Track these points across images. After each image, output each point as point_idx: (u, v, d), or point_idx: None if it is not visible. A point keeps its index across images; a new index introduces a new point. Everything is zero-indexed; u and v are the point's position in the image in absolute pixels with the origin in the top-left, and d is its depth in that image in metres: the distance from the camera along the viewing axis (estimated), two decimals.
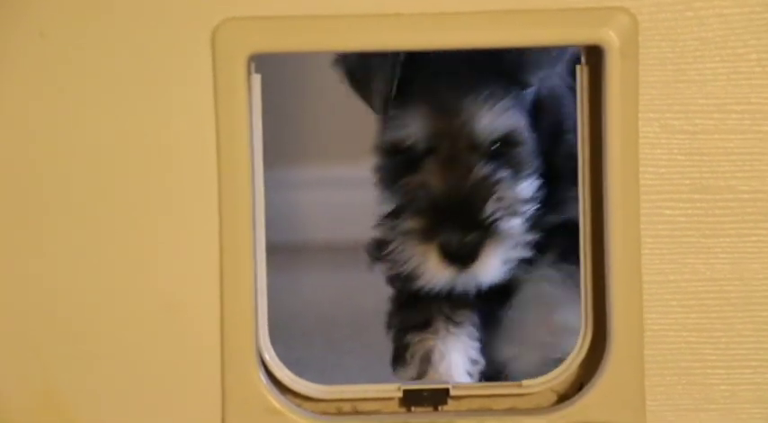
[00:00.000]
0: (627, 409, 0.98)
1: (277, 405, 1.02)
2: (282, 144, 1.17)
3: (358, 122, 1.17)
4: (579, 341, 0.97)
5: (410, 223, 1.03)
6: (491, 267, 1.01)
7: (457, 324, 1.07)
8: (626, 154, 1.02)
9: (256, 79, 1.03)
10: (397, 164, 1.05)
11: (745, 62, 1.02)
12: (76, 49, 1.06)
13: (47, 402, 1.06)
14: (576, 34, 1.02)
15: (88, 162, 1.04)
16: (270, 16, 1.02)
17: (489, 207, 1.00)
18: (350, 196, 1.20)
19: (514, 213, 1.03)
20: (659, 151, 1.03)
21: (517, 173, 1.05)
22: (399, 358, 1.07)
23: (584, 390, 0.94)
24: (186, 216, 1.05)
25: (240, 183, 1.04)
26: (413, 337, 1.08)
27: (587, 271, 1.01)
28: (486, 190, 1.02)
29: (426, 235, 1.01)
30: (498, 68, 1.03)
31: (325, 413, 1.03)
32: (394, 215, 1.06)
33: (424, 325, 1.09)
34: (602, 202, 1.02)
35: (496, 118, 1.03)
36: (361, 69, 1.07)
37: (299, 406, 1.03)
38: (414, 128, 1.03)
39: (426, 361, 1.04)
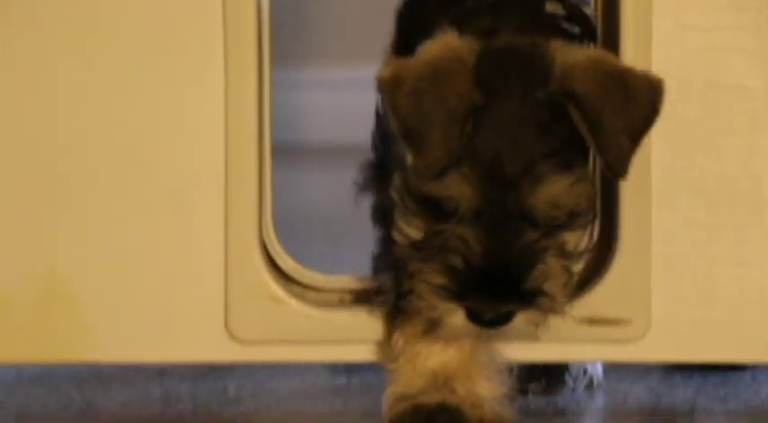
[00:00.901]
0: (633, 305, 0.97)
1: (280, 294, 1.02)
2: (288, 44, 1.15)
3: (361, 25, 1.13)
4: (588, 238, 0.95)
5: (437, 278, 0.94)
6: (519, 330, 0.94)
7: None
8: (639, 50, 1.01)
9: None
10: (434, 210, 0.96)
11: None
12: None
13: (51, 287, 1.05)
14: None
15: (103, 47, 1.04)
16: None
17: (531, 279, 0.92)
18: (352, 98, 1.18)
19: (559, 280, 0.97)
20: (672, 48, 1.00)
21: (567, 247, 0.97)
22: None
23: (593, 286, 0.92)
24: (193, 106, 1.03)
25: (247, 77, 1.02)
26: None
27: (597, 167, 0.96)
28: (530, 261, 0.93)
29: (455, 295, 0.93)
30: (570, 138, 0.92)
31: (327, 303, 1.03)
32: (417, 251, 0.97)
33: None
34: None
35: (560, 192, 0.94)
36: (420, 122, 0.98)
37: (302, 296, 1.03)
38: (465, 188, 0.94)
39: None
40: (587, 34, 1.02)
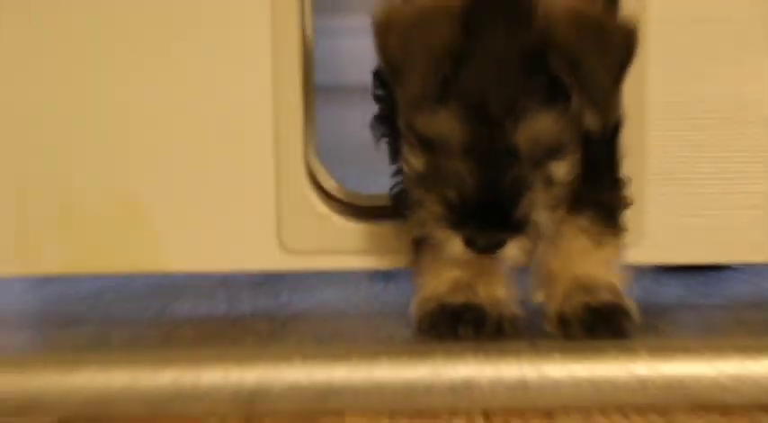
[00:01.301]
0: (629, 215, 1.04)
1: (324, 210, 1.11)
2: None
3: None
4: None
5: (437, 208, 1.01)
6: (512, 256, 1.00)
7: None
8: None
9: None
10: (430, 146, 1.02)
11: None
12: None
13: (130, 208, 1.14)
14: None
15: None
16: None
17: (519, 209, 0.98)
18: None
19: (546, 211, 1.03)
20: None
21: (555, 169, 1.03)
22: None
23: None
24: (249, 53, 1.11)
25: (291, 25, 1.11)
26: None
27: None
28: (518, 193, 0.99)
29: (453, 224, 1.00)
30: (553, 78, 0.98)
31: (364, 217, 1.10)
32: (419, 181, 1.03)
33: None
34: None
35: (544, 128, 1.00)
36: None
37: (342, 211, 1.12)
38: (455, 125, 1.00)
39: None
40: None
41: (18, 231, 1.17)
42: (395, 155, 1.11)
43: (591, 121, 0.99)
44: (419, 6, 1.01)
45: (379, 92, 1.13)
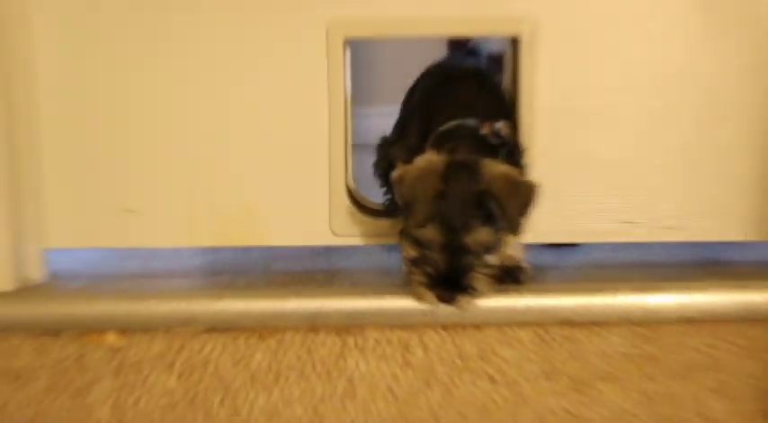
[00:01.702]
0: None
1: (355, 211, 1.40)
2: (359, 92, 1.39)
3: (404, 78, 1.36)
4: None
5: (422, 278, 1.23)
6: (461, 304, 1.22)
7: None
8: (526, 87, 1.34)
9: (347, 52, 1.30)
10: (420, 244, 1.23)
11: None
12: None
13: (245, 204, 1.41)
14: (508, 30, 1.33)
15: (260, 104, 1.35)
16: (358, 17, 1.31)
17: (466, 280, 1.22)
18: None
19: (484, 281, 1.22)
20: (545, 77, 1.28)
21: (489, 258, 1.22)
22: None
23: None
24: (314, 124, 1.37)
25: (339, 105, 1.37)
26: None
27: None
28: (467, 271, 1.22)
29: (430, 287, 1.23)
30: (487, 212, 1.20)
31: (375, 215, 1.37)
32: (413, 263, 1.24)
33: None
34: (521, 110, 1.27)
35: (482, 237, 1.21)
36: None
37: (365, 213, 1.40)
38: (435, 234, 1.21)
39: None
40: (502, 144, 1.29)
41: (200, 217, 1.39)
42: (385, 188, 1.33)
43: (508, 232, 1.22)
44: (418, 168, 1.23)
45: (375, 168, 1.35)
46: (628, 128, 1.32)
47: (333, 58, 1.30)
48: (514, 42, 1.29)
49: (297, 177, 1.34)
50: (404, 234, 1.23)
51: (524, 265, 1.28)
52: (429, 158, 1.21)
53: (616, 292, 1.24)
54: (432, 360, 1.25)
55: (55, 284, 1.32)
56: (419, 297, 1.22)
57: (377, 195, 1.36)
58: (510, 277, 1.27)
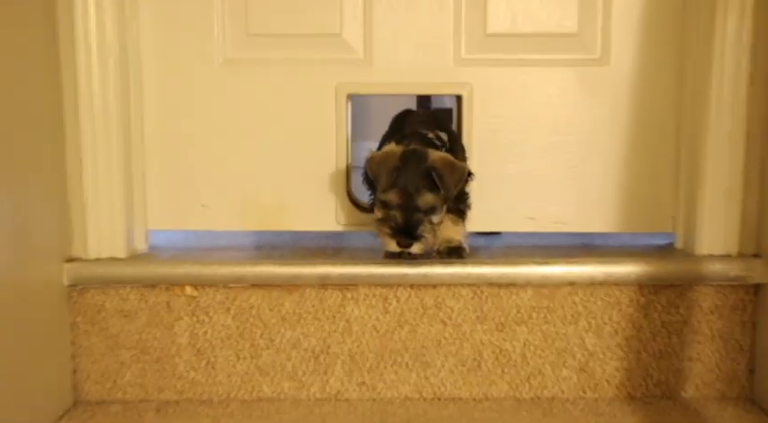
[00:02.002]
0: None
1: (353, 208, 1.25)
2: (357, 127, 1.30)
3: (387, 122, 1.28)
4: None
5: (387, 230, 1.09)
6: (415, 249, 1.09)
7: None
8: (466, 127, 1.22)
9: (349, 104, 1.23)
10: (385, 205, 1.09)
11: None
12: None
13: (280, 205, 1.25)
14: (456, 91, 1.22)
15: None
16: (356, 81, 1.21)
17: (418, 232, 1.08)
18: None
19: (429, 232, 1.10)
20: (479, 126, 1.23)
21: (434, 217, 1.10)
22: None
23: None
24: (322, 147, 1.23)
25: (343, 139, 1.25)
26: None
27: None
28: (417, 226, 1.08)
29: (392, 236, 1.09)
30: (432, 182, 1.08)
31: (366, 211, 1.22)
32: (380, 220, 1.10)
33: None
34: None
35: (429, 199, 1.08)
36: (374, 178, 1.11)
37: (359, 209, 1.25)
38: (394, 197, 1.08)
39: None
40: (443, 145, 1.15)
41: (249, 211, 1.24)
42: (370, 192, 1.18)
43: (446, 197, 1.09)
44: (383, 152, 1.13)
45: (364, 178, 1.20)
46: (533, 155, 1.26)
47: (339, 107, 1.24)
48: (458, 99, 1.26)
49: (315, 185, 1.26)
50: (375, 201, 1.13)
51: (465, 246, 1.19)
52: (390, 147, 1.14)
53: (525, 265, 1.16)
54: (402, 308, 1.17)
55: (153, 254, 1.26)
56: (386, 244, 1.12)
57: (365, 198, 1.26)
58: (455, 254, 1.18)
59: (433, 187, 1.09)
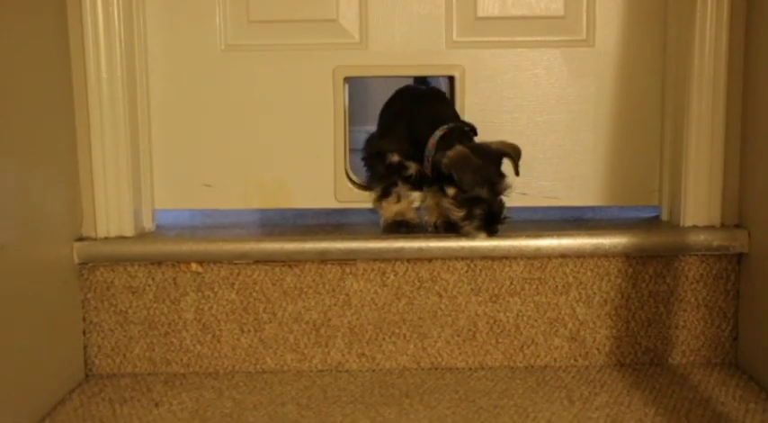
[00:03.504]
0: None
1: (352, 187, 1.24)
2: (355, 113, 1.29)
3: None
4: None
5: (475, 223, 1.10)
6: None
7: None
8: (459, 108, 1.20)
9: (346, 87, 1.22)
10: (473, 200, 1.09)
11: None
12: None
13: (279, 180, 1.24)
14: (448, 72, 1.22)
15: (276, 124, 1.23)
16: (353, 64, 1.21)
17: (503, 213, 1.10)
18: None
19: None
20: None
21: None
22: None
23: None
24: (320, 128, 1.22)
25: (341, 121, 1.23)
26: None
27: None
28: (502, 208, 1.10)
29: (483, 226, 1.10)
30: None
31: (364, 190, 1.22)
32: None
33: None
34: None
35: (505, 184, 1.10)
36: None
37: (357, 187, 1.24)
38: (484, 192, 1.07)
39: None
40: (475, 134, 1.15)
41: (252, 190, 1.23)
42: (367, 166, 1.20)
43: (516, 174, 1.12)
44: (458, 153, 1.08)
45: (365, 155, 1.23)
46: (523, 134, 1.24)
47: (336, 90, 1.24)
48: (451, 80, 1.25)
49: (315, 164, 1.26)
50: (455, 200, 1.10)
51: (463, 222, 1.15)
52: (459, 148, 1.10)
53: (517, 238, 1.15)
54: (400, 282, 1.17)
55: (159, 232, 1.26)
56: (473, 237, 1.12)
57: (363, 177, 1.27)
58: (453, 228, 1.15)
59: (502, 172, 1.10)
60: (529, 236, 1.14)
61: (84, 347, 1.17)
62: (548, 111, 1.25)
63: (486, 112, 1.24)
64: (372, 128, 1.27)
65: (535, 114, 1.25)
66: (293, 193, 1.25)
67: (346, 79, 1.24)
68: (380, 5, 1.21)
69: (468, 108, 1.24)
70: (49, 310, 1.07)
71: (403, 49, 1.22)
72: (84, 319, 1.16)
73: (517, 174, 1.11)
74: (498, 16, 1.22)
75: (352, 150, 1.27)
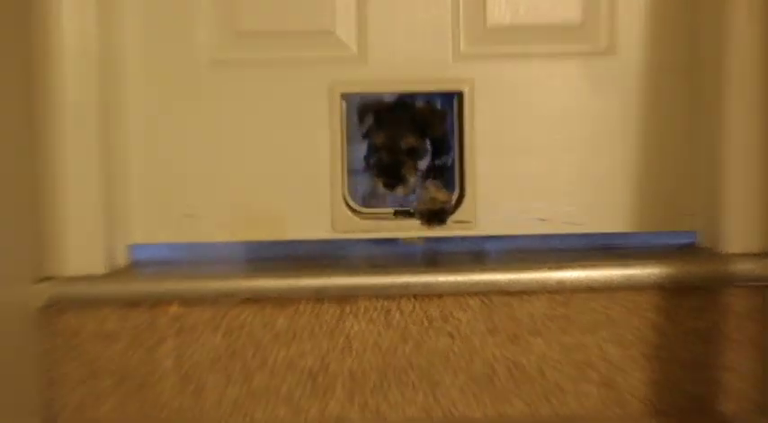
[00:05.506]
0: (471, 214, 1.07)
1: (349, 213, 1.10)
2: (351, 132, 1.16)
3: None
4: (455, 193, 1.08)
5: (377, 177, 1.07)
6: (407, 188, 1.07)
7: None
8: (470, 128, 1.08)
9: (343, 104, 1.09)
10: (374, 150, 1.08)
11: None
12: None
13: (272, 214, 1.11)
14: (455, 87, 1.09)
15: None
16: (350, 79, 1.08)
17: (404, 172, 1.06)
18: None
19: (414, 173, 1.07)
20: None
21: (418, 159, 1.08)
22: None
23: (457, 210, 1.07)
24: (315, 150, 1.09)
25: (337, 141, 1.10)
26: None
27: (458, 170, 1.08)
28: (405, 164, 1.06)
29: (378, 173, 1.07)
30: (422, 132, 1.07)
31: (365, 219, 1.11)
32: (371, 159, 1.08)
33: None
34: (463, 145, 1.07)
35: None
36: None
37: (357, 215, 1.11)
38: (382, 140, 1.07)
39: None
40: None
41: (239, 220, 1.10)
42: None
43: None
44: None
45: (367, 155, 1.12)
46: (541, 154, 1.11)
47: (332, 107, 1.10)
48: (459, 96, 1.09)
49: (310, 191, 1.11)
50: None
51: (447, 206, 1.08)
52: None
53: (538, 270, 1.02)
54: (406, 321, 1.04)
55: (135, 269, 1.10)
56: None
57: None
58: (437, 218, 1.07)
59: None
60: (551, 267, 0.99)
61: (47, 403, 1.00)
62: (567, 128, 1.09)
63: (500, 131, 1.09)
64: None
65: (553, 132, 1.10)
66: (285, 222, 1.10)
67: (343, 96, 1.09)
68: (381, 15, 1.07)
69: (480, 126, 1.08)
70: (5, 360, 0.92)
71: (405, 62, 1.07)
72: (48, 371, 0.99)
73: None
74: (510, 25, 1.08)
75: (350, 172, 1.12)
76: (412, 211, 1.08)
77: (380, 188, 1.07)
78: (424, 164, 1.09)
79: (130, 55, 1.07)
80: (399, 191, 1.06)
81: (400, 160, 1.05)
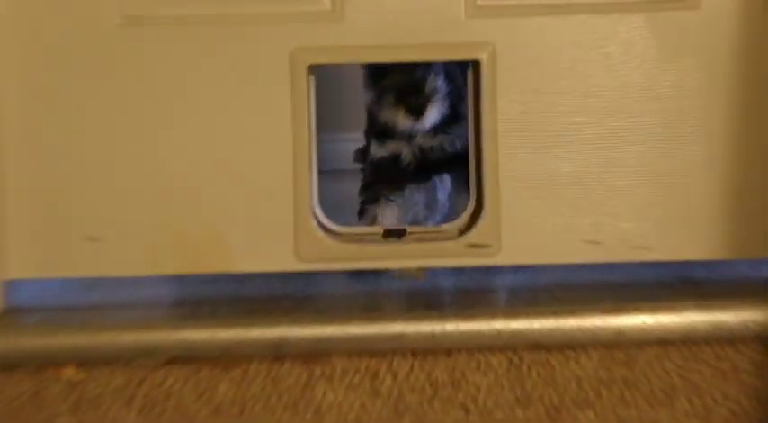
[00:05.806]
0: (492, 235, 0.83)
1: (320, 234, 0.86)
2: (323, 118, 0.98)
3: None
4: (471, 203, 0.88)
5: (389, 98, 0.88)
6: (430, 118, 0.89)
7: (391, 200, 0.95)
8: (490, 111, 0.84)
9: (311, 79, 0.88)
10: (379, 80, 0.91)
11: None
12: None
13: (210, 236, 0.87)
14: (469, 55, 0.85)
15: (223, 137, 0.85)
16: (320, 47, 0.84)
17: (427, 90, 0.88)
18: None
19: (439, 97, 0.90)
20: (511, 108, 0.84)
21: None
22: (362, 215, 0.96)
23: (472, 228, 0.85)
24: (273, 145, 0.85)
25: (304, 132, 0.85)
26: (368, 206, 0.96)
27: (473, 170, 0.87)
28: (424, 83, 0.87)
29: (397, 102, 0.88)
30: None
31: (344, 242, 0.88)
32: (378, 99, 0.93)
33: (374, 200, 0.96)
34: (480, 134, 0.86)
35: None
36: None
37: (332, 238, 0.88)
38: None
39: (373, 220, 0.95)
40: None
41: (164, 244, 0.84)
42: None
43: None
44: None
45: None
46: (589, 148, 0.86)
47: (297, 84, 0.83)
48: (475, 66, 0.85)
49: (263, 203, 0.87)
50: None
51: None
52: None
53: (587, 314, 0.79)
54: (401, 388, 0.82)
55: (15, 316, 0.85)
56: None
57: (342, 219, 0.92)
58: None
59: None
60: (606, 311, 0.77)
61: None
62: (626, 110, 0.83)
63: (531, 115, 0.83)
64: (354, 134, 0.93)
65: (607, 117, 0.83)
66: (230, 249, 0.84)
67: (312, 68, 0.82)
68: None
69: (503, 108, 0.82)
70: None
71: (398, 20, 0.81)
72: None
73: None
74: None
75: (322, 173, 0.88)
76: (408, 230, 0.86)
77: (400, 119, 0.88)
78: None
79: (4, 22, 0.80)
80: (423, 120, 0.88)
81: (419, 82, 0.87)
